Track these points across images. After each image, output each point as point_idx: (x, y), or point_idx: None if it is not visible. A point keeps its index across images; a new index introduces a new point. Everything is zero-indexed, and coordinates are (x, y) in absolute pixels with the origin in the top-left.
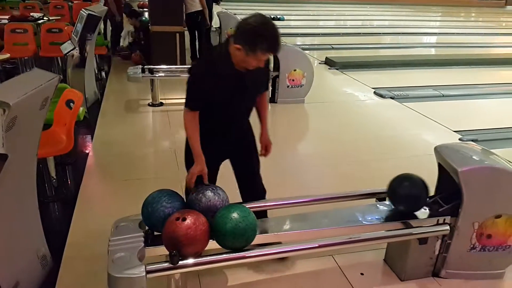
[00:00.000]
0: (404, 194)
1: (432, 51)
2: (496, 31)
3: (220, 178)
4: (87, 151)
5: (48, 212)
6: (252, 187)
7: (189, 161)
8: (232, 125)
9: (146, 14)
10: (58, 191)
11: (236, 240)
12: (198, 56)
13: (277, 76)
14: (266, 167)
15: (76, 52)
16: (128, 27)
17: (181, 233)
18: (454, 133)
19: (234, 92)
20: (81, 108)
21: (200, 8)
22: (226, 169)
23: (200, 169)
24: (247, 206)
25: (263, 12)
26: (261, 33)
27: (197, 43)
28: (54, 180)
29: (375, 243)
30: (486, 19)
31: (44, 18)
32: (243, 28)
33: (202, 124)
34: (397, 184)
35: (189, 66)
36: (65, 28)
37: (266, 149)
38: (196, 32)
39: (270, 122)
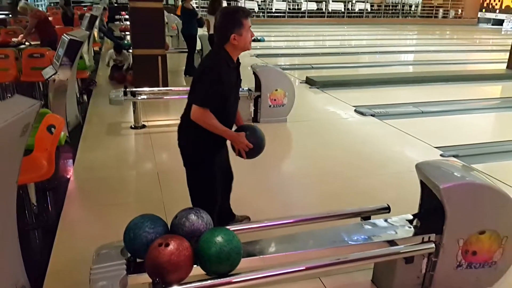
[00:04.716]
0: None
1: (410, 69)
2: (471, 48)
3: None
4: (68, 176)
5: (28, 240)
6: (226, 178)
7: (196, 160)
8: (230, 126)
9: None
10: (39, 218)
11: (221, 264)
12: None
13: (259, 96)
14: (250, 187)
15: (57, 77)
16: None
17: (164, 259)
18: (435, 149)
19: (233, 87)
20: (62, 133)
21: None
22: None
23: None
24: (231, 229)
25: None
26: (230, 11)
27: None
28: (34, 207)
29: (361, 264)
30: (460, 36)
31: (26, 43)
32: (220, 22)
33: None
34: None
35: (202, 66)
36: (47, 53)
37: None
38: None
39: None
